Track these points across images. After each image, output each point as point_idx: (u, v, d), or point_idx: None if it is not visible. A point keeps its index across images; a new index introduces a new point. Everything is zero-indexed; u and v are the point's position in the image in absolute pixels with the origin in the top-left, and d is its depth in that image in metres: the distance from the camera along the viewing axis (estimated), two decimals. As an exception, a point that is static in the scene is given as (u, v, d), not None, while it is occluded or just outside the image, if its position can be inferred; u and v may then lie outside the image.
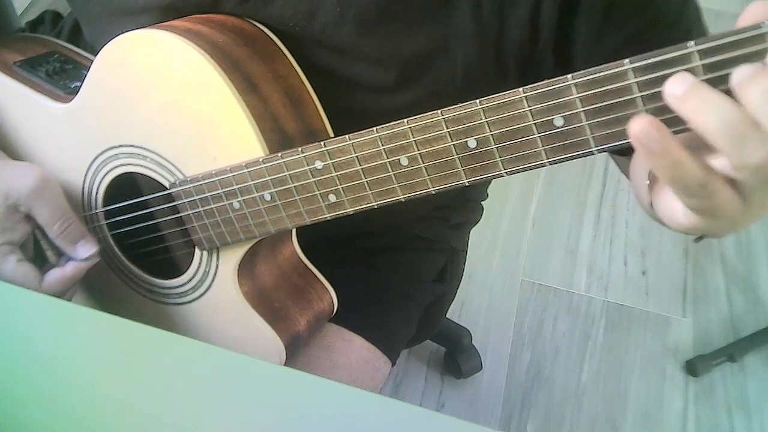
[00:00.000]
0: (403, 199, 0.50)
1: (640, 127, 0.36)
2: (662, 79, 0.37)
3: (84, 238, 0.61)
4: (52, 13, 0.85)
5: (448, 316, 0.99)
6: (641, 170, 0.53)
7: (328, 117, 0.58)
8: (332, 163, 0.51)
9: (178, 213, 0.60)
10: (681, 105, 0.36)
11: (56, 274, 0.60)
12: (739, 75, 0.34)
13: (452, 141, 0.46)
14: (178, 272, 0.65)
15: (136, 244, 0.67)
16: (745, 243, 1.62)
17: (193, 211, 0.59)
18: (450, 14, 0.55)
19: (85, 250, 0.61)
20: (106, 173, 0.63)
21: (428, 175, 0.48)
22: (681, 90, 0.35)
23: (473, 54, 0.57)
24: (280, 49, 0.57)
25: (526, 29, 0.55)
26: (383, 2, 0.54)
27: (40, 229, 0.61)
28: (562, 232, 1.65)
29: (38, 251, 0.63)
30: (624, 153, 0.62)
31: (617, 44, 0.54)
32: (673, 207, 0.43)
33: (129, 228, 0.66)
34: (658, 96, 0.38)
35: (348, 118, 0.51)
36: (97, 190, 0.64)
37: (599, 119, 0.41)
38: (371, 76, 0.58)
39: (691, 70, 0.36)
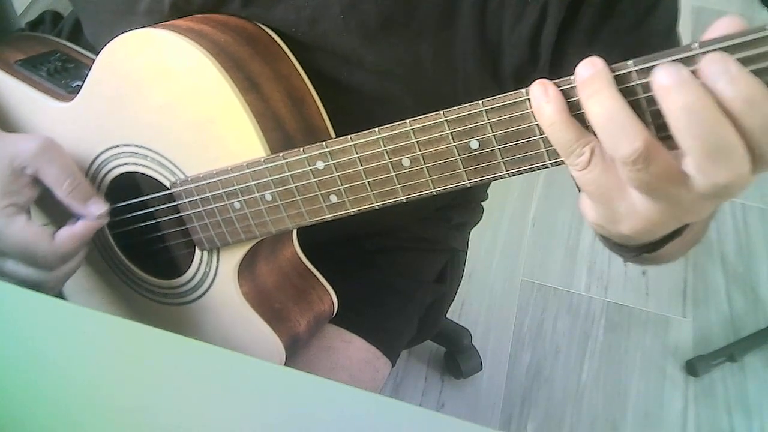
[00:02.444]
0: (404, 200, 0.50)
1: (535, 87, 0.40)
2: None
3: (94, 197, 0.61)
4: (52, 13, 0.84)
5: (448, 316, 0.99)
6: None
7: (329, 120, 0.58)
8: (334, 163, 0.51)
9: (179, 213, 0.60)
10: (579, 91, 0.38)
11: (67, 232, 0.59)
12: (661, 78, 0.35)
13: (454, 142, 0.46)
14: (178, 272, 0.65)
15: (137, 243, 0.67)
16: (745, 243, 1.62)
17: (194, 210, 0.59)
18: (452, 29, 0.55)
19: (97, 208, 0.60)
20: (107, 173, 0.63)
21: (430, 176, 0.48)
22: (587, 73, 0.37)
23: (473, 69, 0.57)
24: (282, 49, 0.57)
25: (526, 50, 0.55)
26: (386, 13, 0.54)
27: (46, 196, 0.61)
28: (562, 232, 1.65)
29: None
30: None
31: None
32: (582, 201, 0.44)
33: (129, 227, 0.66)
34: None
35: (349, 123, 0.51)
36: (98, 189, 0.64)
37: None
38: (373, 84, 0.58)
39: (694, 72, 0.36)
